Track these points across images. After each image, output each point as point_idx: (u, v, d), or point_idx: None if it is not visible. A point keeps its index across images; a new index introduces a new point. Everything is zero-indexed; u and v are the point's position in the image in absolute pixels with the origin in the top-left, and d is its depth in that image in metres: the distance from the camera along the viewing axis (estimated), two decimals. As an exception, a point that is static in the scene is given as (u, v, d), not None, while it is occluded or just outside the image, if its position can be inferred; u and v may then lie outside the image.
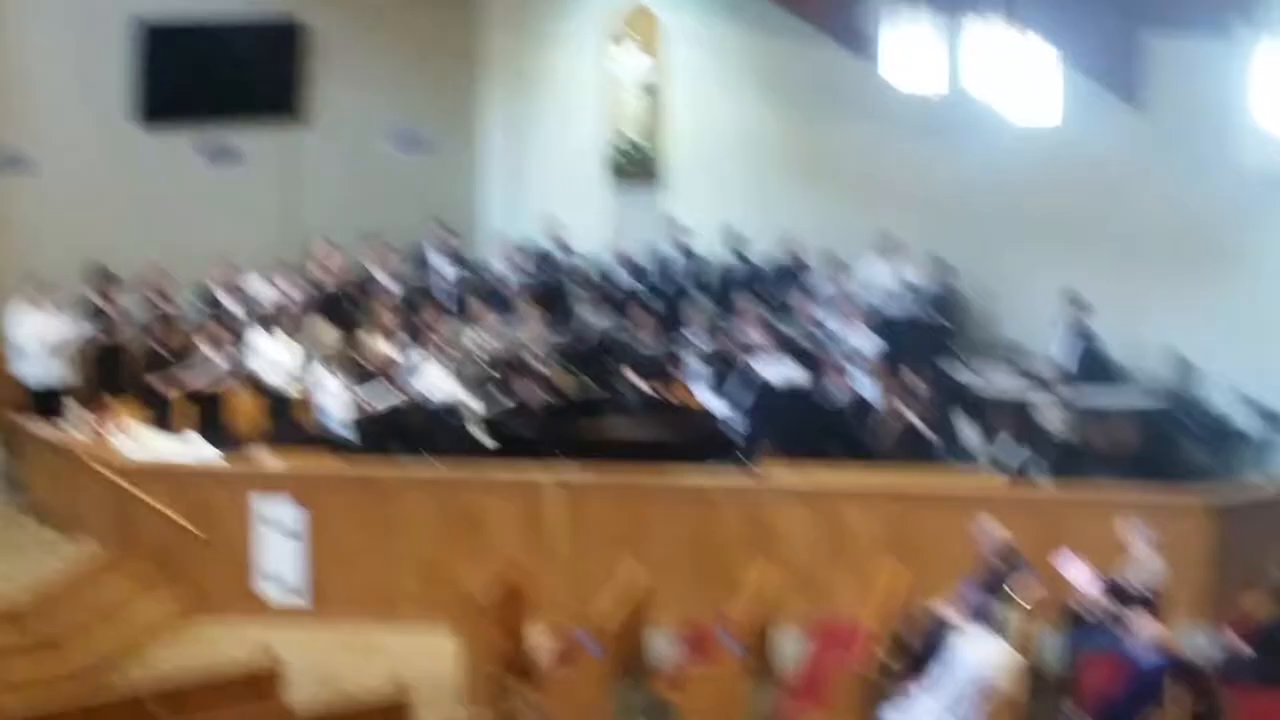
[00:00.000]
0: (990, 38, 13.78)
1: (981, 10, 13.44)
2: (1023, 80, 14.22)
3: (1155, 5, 18.52)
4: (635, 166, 24.17)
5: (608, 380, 19.71)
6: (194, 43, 22.12)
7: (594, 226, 23.98)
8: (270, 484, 16.50)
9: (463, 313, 20.97)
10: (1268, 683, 12.95)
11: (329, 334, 19.41)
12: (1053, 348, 19.53)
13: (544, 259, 22.68)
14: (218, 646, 15.40)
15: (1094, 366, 19.22)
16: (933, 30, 14.44)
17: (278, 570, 16.38)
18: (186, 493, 16.44)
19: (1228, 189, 18.35)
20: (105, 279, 19.97)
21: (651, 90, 24.05)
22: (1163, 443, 18.56)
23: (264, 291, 20.51)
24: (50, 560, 16.31)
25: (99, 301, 19.81)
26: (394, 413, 18.31)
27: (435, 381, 18.65)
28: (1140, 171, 19.57)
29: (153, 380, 18.64)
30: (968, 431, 18.10)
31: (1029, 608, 13.70)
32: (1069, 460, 17.89)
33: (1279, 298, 18.15)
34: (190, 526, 16.27)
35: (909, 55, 16.30)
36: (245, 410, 18.78)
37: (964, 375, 19.62)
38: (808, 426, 18.39)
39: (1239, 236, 18.65)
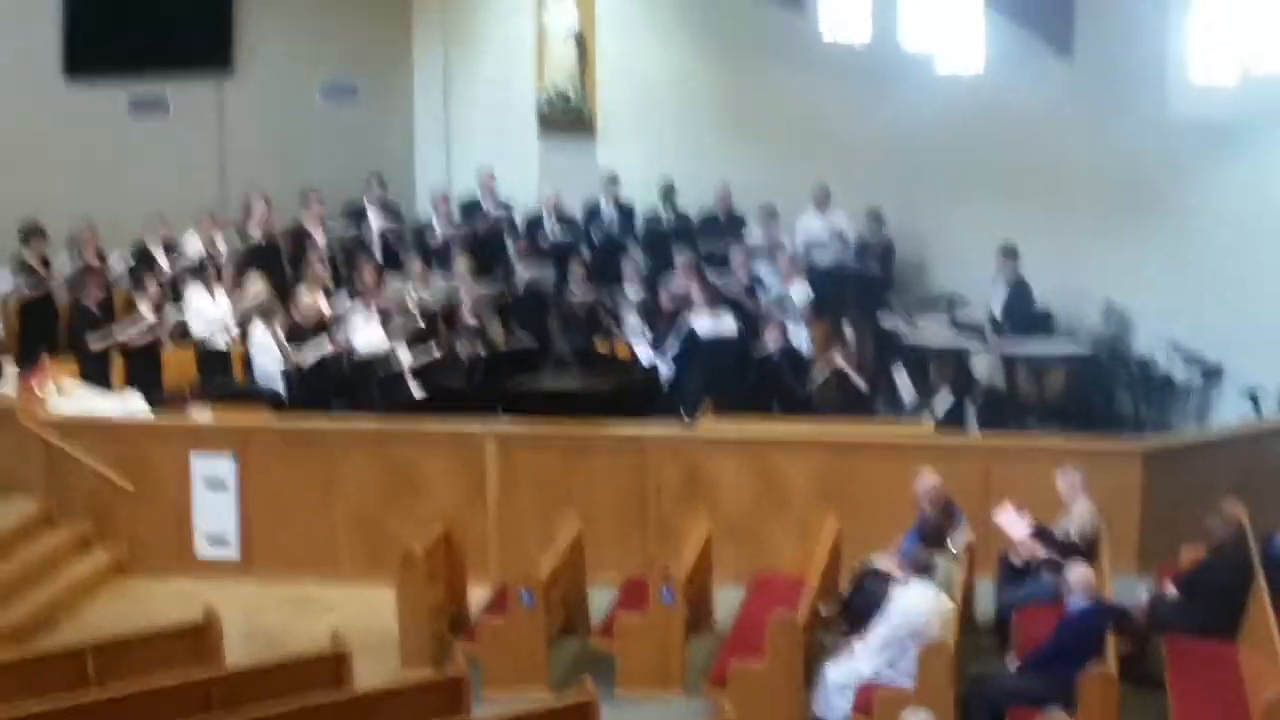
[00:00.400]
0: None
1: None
2: (951, 28, 14.24)
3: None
4: (568, 118, 24.10)
5: (541, 332, 19.68)
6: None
7: (528, 178, 23.92)
8: (204, 439, 16.41)
9: (395, 265, 20.90)
10: (1198, 629, 13.08)
11: (262, 288, 19.30)
12: (987, 298, 19.61)
13: (477, 211, 22.59)
14: (154, 603, 15.32)
15: (1026, 316, 19.31)
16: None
17: (213, 526, 16.32)
18: (120, 448, 16.32)
19: (1158, 138, 18.46)
20: (35, 234, 19.77)
21: (582, 40, 23.97)
22: (1095, 391, 18.73)
23: (196, 246, 20.36)
24: (-19, 519, 16.22)
25: (29, 258, 19.61)
26: (327, 366, 18.25)
27: (368, 334, 18.59)
28: (1071, 120, 19.65)
29: (86, 336, 18.50)
30: (902, 381, 18.16)
31: (965, 557, 13.79)
32: (1002, 409, 18.01)
33: (1209, 247, 18.29)
34: (119, 480, 16.17)
35: (840, 3, 16.30)
36: (179, 365, 18.68)
37: (898, 325, 19.69)
38: (742, 378, 18.44)
39: (1170, 186, 18.77)
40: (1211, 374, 18.36)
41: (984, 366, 18.11)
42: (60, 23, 21.61)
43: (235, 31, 23.07)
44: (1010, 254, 19.31)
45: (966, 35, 13.97)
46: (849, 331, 18.76)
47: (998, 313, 19.29)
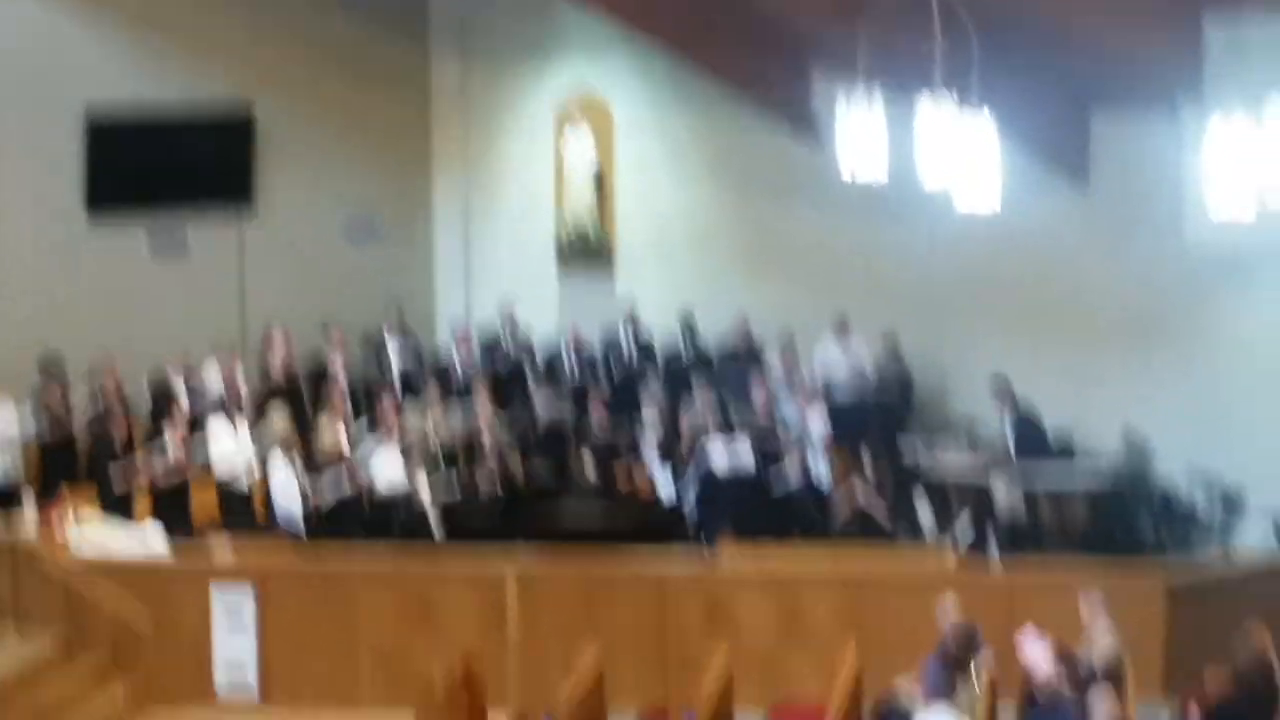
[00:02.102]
0: (939, 120, 13.89)
1: (934, 90, 13.51)
2: (969, 163, 14.32)
3: (1103, 85, 18.72)
4: (587, 252, 24.22)
5: (562, 466, 19.69)
6: (144, 134, 22.05)
7: (547, 311, 24.02)
8: (225, 575, 16.41)
9: (416, 399, 20.94)
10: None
11: (283, 423, 19.33)
12: (1002, 427, 19.61)
13: (497, 345, 22.67)
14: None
15: (1039, 446, 19.29)
16: (882, 112, 14.56)
17: (233, 661, 16.27)
18: (139, 584, 16.30)
19: (1176, 269, 18.54)
20: (54, 370, 19.85)
21: (602, 176, 24.14)
22: (1117, 519, 18.63)
23: (217, 381, 20.44)
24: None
25: (50, 394, 19.68)
26: (348, 502, 18.25)
27: (388, 470, 18.60)
28: (1089, 251, 19.74)
29: (109, 472, 18.52)
30: (922, 511, 18.11)
31: (988, 685, 13.69)
32: (1023, 538, 17.92)
33: (1229, 375, 18.31)
34: (138, 619, 16.13)
35: (857, 139, 16.42)
36: (201, 500, 18.69)
37: (917, 455, 19.65)
38: (763, 510, 18.41)
39: (1188, 314, 18.81)
40: (1233, 501, 18.30)
41: (1004, 495, 18.04)
42: (82, 161, 21.78)
43: (256, 169, 23.23)
44: (1003, 393, 19.36)
45: (983, 171, 14.04)
46: (868, 461, 18.75)
47: (1011, 449, 19.28)
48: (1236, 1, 13.40)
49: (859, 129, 14.97)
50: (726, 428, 19.20)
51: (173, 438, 18.72)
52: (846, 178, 17.19)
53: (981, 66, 13.70)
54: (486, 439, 19.53)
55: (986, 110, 13.54)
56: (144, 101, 22.14)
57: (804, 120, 21.95)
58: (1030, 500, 18.52)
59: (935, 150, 14.52)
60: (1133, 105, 18.65)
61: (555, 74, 24.32)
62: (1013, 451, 19.23)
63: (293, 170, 23.59)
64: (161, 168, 22.31)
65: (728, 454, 18.73)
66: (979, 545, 17.32)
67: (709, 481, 18.65)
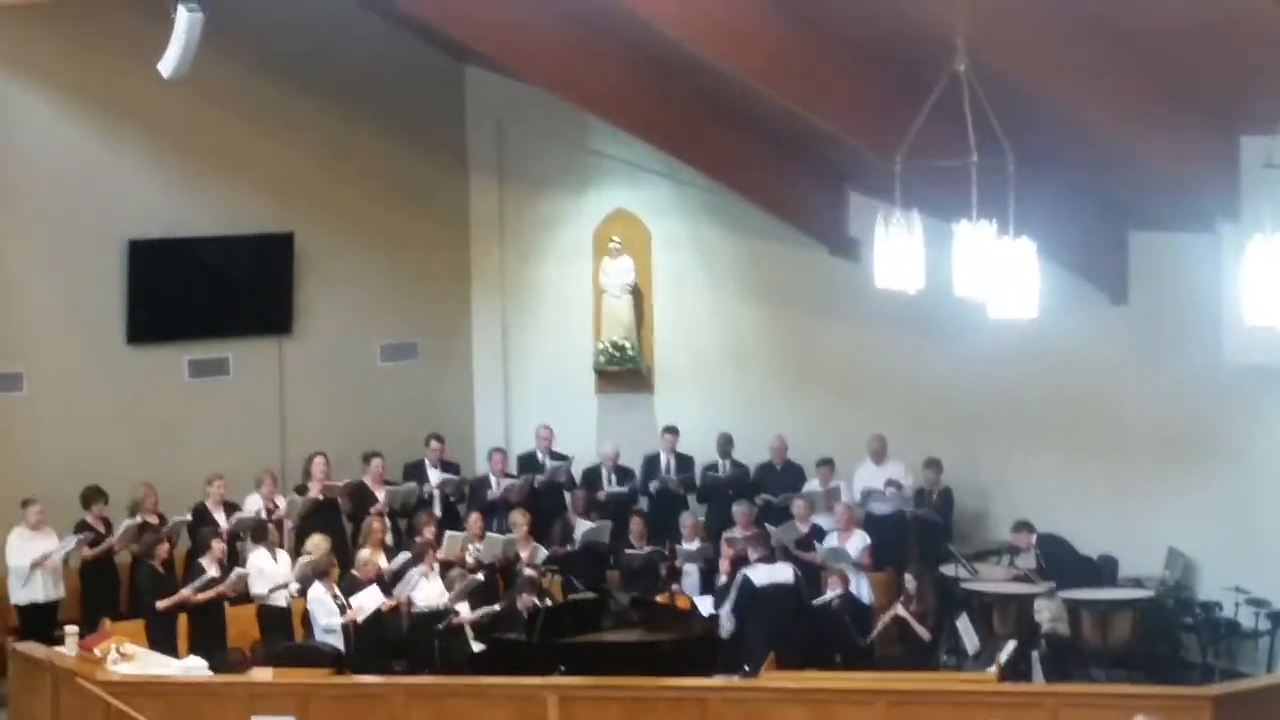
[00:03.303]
0: (977, 239, 13.95)
1: (971, 215, 13.57)
2: (1007, 278, 14.36)
3: (1140, 203, 18.81)
4: (625, 372, 24.25)
5: (600, 585, 19.67)
6: (184, 258, 22.23)
7: (586, 432, 24.01)
8: (265, 698, 16.35)
9: (455, 522, 20.95)
10: None
11: (323, 546, 19.35)
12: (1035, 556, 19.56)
13: (535, 465, 22.69)
14: None
15: (1073, 566, 19.26)
16: (920, 235, 14.63)
17: (273, 785, 16.22)
18: (179, 708, 16.28)
19: (1215, 382, 18.49)
20: (96, 498, 19.93)
21: (638, 295, 24.21)
22: (1161, 638, 18.55)
23: (257, 505, 20.49)
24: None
25: (91, 520, 19.77)
26: (385, 623, 18.25)
27: (428, 591, 18.60)
28: (1127, 365, 19.74)
29: (148, 597, 18.54)
30: (965, 630, 18.05)
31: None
32: (1067, 657, 17.84)
33: (1271, 490, 18.22)
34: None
35: (895, 260, 16.51)
36: (241, 625, 18.70)
37: (959, 573, 19.59)
38: (803, 629, 18.36)
39: (1229, 429, 18.76)
40: (1277, 617, 18.21)
41: (1047, 614, 17.96)
42: (123, 286, 21.95)
43: (295, 290, 23.36)
44: (1021, 526, 19.41)
45: (1020, 282, 14.08)
46: (910, 580, 18.73)
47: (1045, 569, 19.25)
48: (1272, 121, 13.45)
49: (896, 248, 15.05)
50: (766, 548, 19.15)
51: (213, 561, 18.76)
52: (881, 284, 17.32)
53: (1018, 188, 13.76)
54: (525, 560, 19.54)
55: (1023, 233, 13.57)
56: (185, 224, 22.32)
57: (841, 239, 22.07)
58: (1073, 618, 18.43)
59: (972, 268, 14.59)
60: (1170, 223, 18.72)
61: (593, 195, 24.45)
62: (1048, 572, 19.17)
63: (332, 292, 23.71)
64: (202, 291, 22.42)
65: (768, 574, 18.68)
66: (1022, 664, 17.23)
67: (749, 602, 18.59)
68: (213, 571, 18.58)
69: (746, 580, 18.64)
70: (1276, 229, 11.65)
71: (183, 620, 18.40)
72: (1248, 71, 15.11)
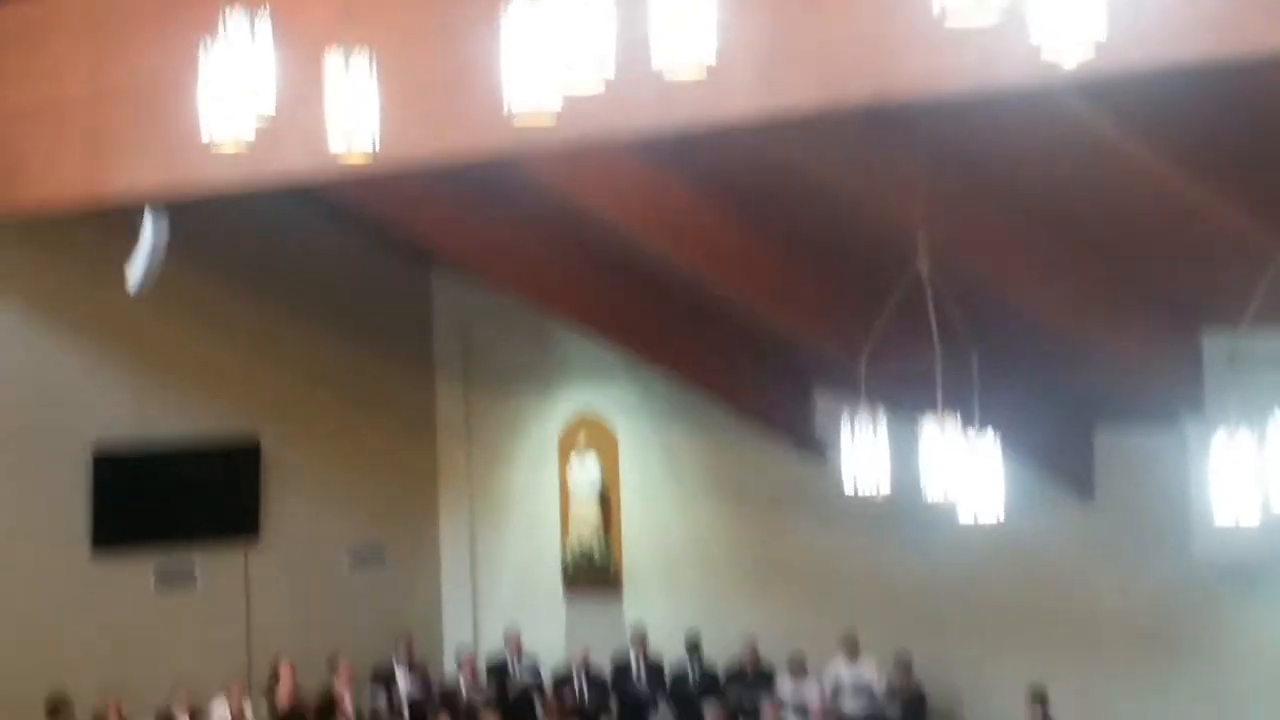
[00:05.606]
0: (942, 439, 14.00)
1: (936, 411, 13.64)
2: (974, 480, 14.40)
3: (1105, 399, 18.89)
4: (594, 575, 24.13)
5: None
6: (149, 467, 22.16)
7: (555, 634, 23.87)
8: None
9: (424, 727, 20.78)
10: None
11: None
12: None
13: (505, 671, 22.52)
14: None
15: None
16: (885, 432, 14.68)
17: None
18: None
19: (1184, 580, 18.48)
20: (61, 708, 19.71)
21: (607, 498, 24.15)
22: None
23: (224, 714, 20.28)
24: None
25: (55, 731, 19.56)
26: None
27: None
28: (1095, 563, 19.72)
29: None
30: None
31: None
32: None
33: (1241, 688, 18.16)
34: None
35: (861, 458, 16.56)
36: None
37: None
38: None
39: (1199, 627, 18.73)
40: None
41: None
42: (88, 496, 21.85)
43: (262, 497, 23.27)
44: (1038, 698, 19.20)
45: (986, 484, 14.13)
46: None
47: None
48: (1234, 317, 13.55)
49: (862, 448, 15.10)
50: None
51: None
52: (850, 494, 17.34)
53: (983, 386, 13.83)
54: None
55: (989, 429, 13.62)
56: (149, 434, 22.28)
57: (807, 439, 22.08)
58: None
59: (938, 466, 14.63)
60: (1135, 418, 18.79)
61: (558, 398, 24.48)
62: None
63: (298, 498, 23.63)
64: (167, 499, 22.35)
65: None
66: None
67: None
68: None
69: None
70: (1241, 426, 11.63)
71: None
72: (1209, 266, 15.26)
